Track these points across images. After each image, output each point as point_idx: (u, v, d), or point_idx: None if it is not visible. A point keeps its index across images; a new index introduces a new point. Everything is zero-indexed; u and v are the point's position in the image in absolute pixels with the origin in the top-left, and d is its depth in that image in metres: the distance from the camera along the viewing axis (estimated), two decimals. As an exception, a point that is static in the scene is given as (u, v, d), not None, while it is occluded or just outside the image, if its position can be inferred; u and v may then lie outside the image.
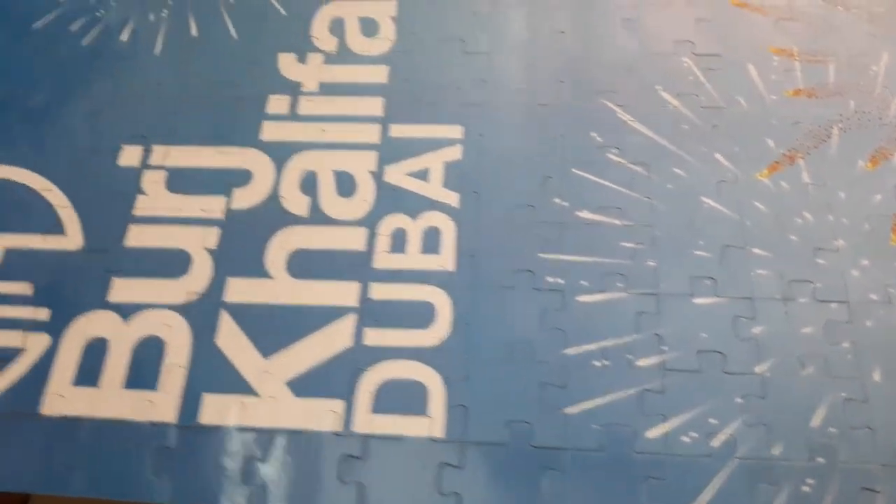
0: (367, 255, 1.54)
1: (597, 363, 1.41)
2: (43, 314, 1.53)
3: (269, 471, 1.37)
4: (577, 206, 1.56)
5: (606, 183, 1.58)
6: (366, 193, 1.62)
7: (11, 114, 1.80)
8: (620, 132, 1.64)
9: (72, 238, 1.61)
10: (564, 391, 1.39)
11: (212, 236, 1.58)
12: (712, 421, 1.35)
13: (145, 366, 1.47)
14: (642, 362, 1.40)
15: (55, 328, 1.52)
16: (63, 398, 1.45)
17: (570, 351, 1.42)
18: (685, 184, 1.57)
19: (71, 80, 1.83)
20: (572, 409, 1.37)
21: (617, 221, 1.54)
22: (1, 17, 1.95)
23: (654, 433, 1.35)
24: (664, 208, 1.55)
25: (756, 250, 1.50)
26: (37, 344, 1.50)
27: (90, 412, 1.44)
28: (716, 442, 1.34)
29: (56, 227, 1.63)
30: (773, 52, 1.70)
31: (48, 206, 1.66)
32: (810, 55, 1.69)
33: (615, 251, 1.51)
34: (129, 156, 1.70)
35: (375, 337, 1.46)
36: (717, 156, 1.60)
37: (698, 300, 1.46)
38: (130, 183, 1.67)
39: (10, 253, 1.61)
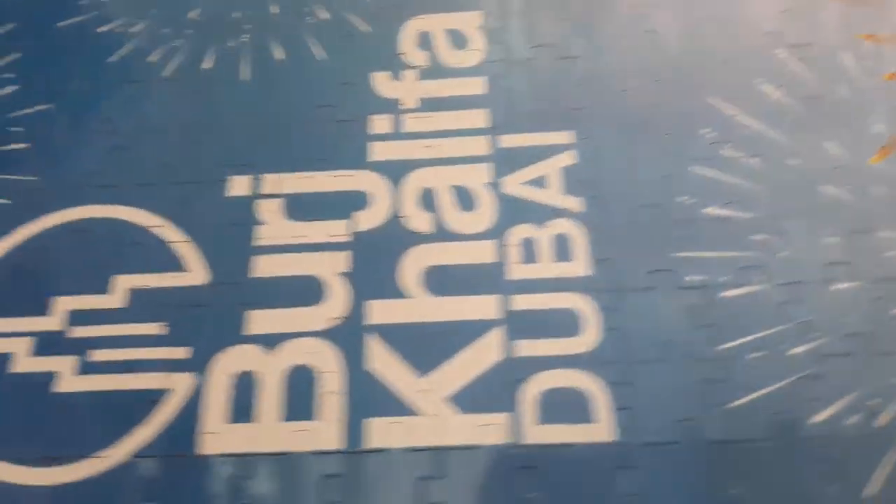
0: (500, 267, 1.56)
1: (752, 356, 1.44)
2: (182, 353, 1.52)
3: (444, 489, 1.37)
4: (703, 203, 1.59)
5: (726, 177, 1.61)
6: (487, 206, 1.63)
7: (98, 152, 1.77)
8: (729, 127, 1.67)
9: (196, 273, 1.60)
10: (726, 386, 1.42)
11: (342, 261, 1.58)
12: (873, 402, 1.39)
13: (299, 396, 1.46)
14: (795, 351, 1.44)
15: (198, 366, 1.50)
16: (219, 436, 1.44)
17: (725, 346, 1.45)
18: (801, 173, 1.61)
19: (158, 113, 1.81)
20: (737, 403, 1.40)
21: (744, 215, 1.57)
22: (73, 55, 1.91)
23: (818, 418, 1.39)
24: (786, 199, 1.58)
25: (882, 233, 1.54)
26: (182, 384, 1.49)
27: (249, 448, 1.43)
28: (880, 422, 1.38)
29: (176, 263, 1.61)
30: (862, 38, 1.75)
31: (162, 243, 1.64)
32: (898, 39, 1.75)
33: (748, 244, 1.54)
34: (238, 186, 1.69)
35: (526, 348, 1.48)
36: (827, 144, 1.64)
37: (837, 286, 1.50)
38: (245, 213, 1.66)
39: (135, 294, 1.59)
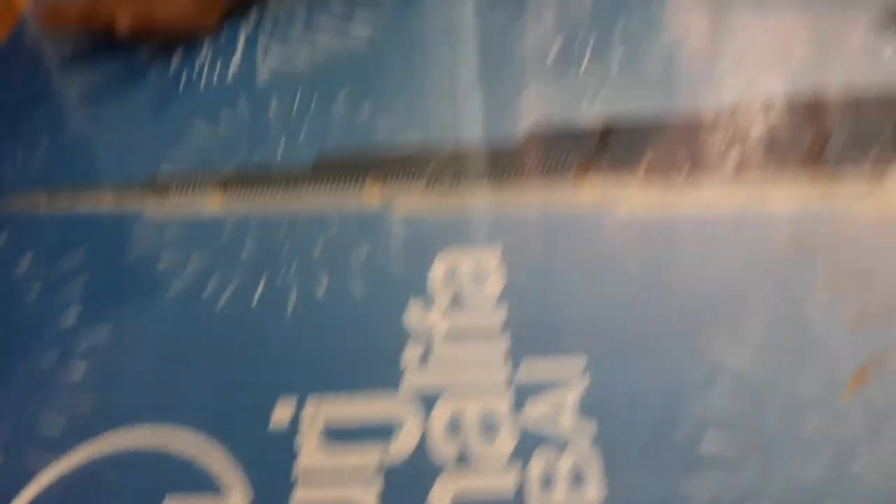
0: (519, 499, 1.68)
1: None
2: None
3: None
4: (701, 431, 1.73)
5: (724, 404, 1.77)
6: (507, 436, 1.79)
7: (152, 375, 1.93)
8: (720, 363, 1.84)
9: (236, 498, 1.72)
10: None
11: (372, 495, 1.70)
12: None
13: None
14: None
15: None
16: None
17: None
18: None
19: (209, 345, 2.00)
20: None
21: (739, 444, 1.71)
22: (132, 285, 2.13)
23: None
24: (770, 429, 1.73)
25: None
26: None
27: None
28: None
29: (216, 486, 1.74)
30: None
31: (204, 467, 1.79)
32: None
33: (742, 470, 1.67)
34: (282, 411, 1.86)
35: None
36: (801, 377, 1.79)
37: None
38: (287, 438, 1.81)
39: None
